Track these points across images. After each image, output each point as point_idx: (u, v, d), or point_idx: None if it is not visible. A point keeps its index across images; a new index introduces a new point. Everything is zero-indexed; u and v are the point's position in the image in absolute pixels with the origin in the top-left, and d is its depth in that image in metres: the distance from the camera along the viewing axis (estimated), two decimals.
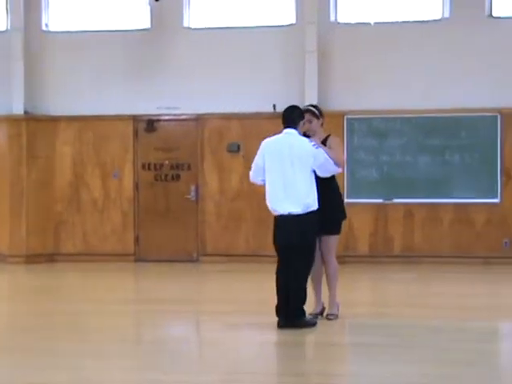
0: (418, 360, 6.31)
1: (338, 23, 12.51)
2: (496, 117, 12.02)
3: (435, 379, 5.77)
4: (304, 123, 7.55)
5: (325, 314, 7.80)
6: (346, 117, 12.31)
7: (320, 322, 7.64)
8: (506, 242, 12.05)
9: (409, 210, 12.23)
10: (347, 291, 10.17)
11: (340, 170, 7.59)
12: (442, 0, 12.28)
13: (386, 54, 12.25)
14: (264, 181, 7.44)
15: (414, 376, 5.86)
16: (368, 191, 12.24)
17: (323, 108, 12.23)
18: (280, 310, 7.31)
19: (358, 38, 12.34)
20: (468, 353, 6.52)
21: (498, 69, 12.03)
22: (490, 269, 11.71)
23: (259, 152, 7.48)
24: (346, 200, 12.23)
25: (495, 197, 12.04)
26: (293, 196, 7.27)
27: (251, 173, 7.53)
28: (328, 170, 7.45)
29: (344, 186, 12.25)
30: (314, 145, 7.40)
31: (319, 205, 7.33)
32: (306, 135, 7.58)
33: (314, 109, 7.79)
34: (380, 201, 12.31)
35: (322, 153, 7.37)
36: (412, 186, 12.19)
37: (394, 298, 9.56)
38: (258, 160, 7.46)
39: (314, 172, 7.35)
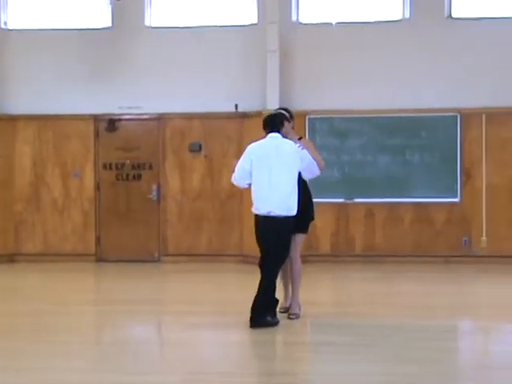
0: (380, 359, 6.36)
1: (300, 23, 12.55)
2: (456, 117, 12.16)
3: (397, 378, 5.82)
4: None
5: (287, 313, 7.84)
6: (307, 117, 12.35)
7: (283, 321, 7.65)
8: (465, 241, 12.19)
9: (370, 209, 12.31)
10: (310, 290, 10.21)
11: (319, 171, 7.74)
12: (402, 1, 12.39)
13: (348, 55, 12.31)
14: (250, 184, 7.58)
15: (376, 375, 5.90)
16: (329, 191, 12.29)
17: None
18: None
19: (319, 38, 12.39)
20: (430, 351, 6.59)
21: (458, 69, 12.16)
22: (451, 267, 11.84)
23: (245, 156, 7.62)
24: None
25: (455, 196, 12.18)
26: (277, 198, 7.44)
27: (235, 176, 7.63)
28: (312, 171, 7.69)
29: None
30: (299, 146, 7.51)
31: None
32: None
33: (284, 112, 7.88)
34: (341, 200, 12.37)
35: (307, 154, 7.53)
36: (373, 186, 12.27)
37: (356, 297, 9.61)
38: (243, 164, 7.59)
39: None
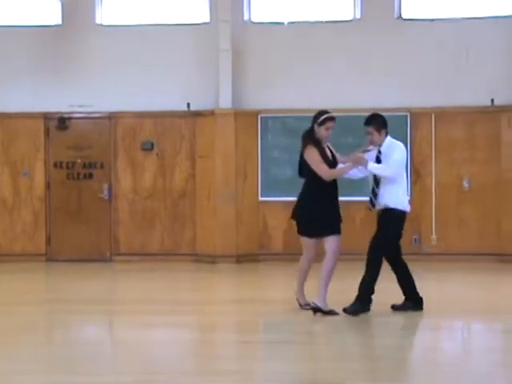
0: (328, 356, 6.40)
1: (252, 22, 12.57)
2: (406, 116, 12.29)
3: (345, 374, 5.86)
4: (327, 129, 8.05)
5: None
6: (259, 115, 12.38)
7: (228, 320, 7.67)
8: (415, 239, 12.33)
9: None
10: (262, 289, 10.25)
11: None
12: (353, 1, 12.48)
13: (300, 54, 12.37)
14: None
15: (324, 372, 5.93)
16: (281, 189, 12.31)
17: (237, 107, 12.38)
18: None
19: (271, 37, 12.42)
20: (377, 348, 6.66)
21: (407, 69, 12.30)
22: None
23: (403, 154, 8.05)
24: (260, 198, 12.37)
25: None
26: None
27: (397, 172, 7.96)
28: None
29: (258, 185, 12.33)
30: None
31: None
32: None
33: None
34: (294, 199, 12.37)
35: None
36: None
37: (307, 295, 9.62)
38: (404, 161, 8.07)
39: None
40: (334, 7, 12.53)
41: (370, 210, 8.14)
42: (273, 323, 7.86)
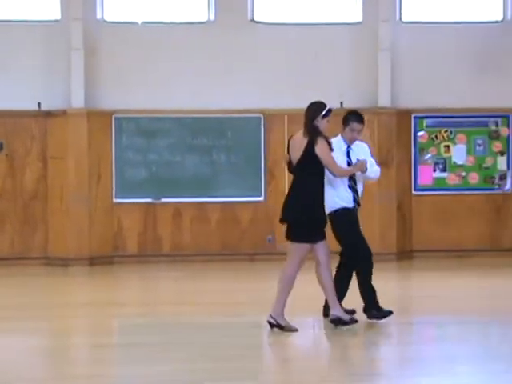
0: (187, 357, 6.41)
1: (105, 21, 12.40)
2: (260, 118, 12.48)
3: (204, 374, 5.89)
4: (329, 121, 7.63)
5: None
6: (114, 116, 12.23)
7: (81, 324, 7.54)
8: (269, 239, 12.53)
9: (177, 209, 12.37)
10: (117, 291, 10.15)
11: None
12: (207, 3, 12.55)
13: (155, 54, 12.31)
14: None
15: (183, 373, 5.94)
16: (136, 191, 12.24)
17: (90, 107, 12.17)
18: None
19: (125, 36, 12.29)
20: (236, 347, 6.74)
21: (260, 71, 12.48)
22: (255, 265, 12.14)
23: None
24: (114, 200, 12.22)
25: (259, 195, 12.50)
26: None
27: None
28: None
29: (112, 186, 12.18)
30: None
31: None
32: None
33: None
34: (149, 200, 12.35)
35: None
36: (180, 186, 12.34)
37: (163, 297, 9.65)
38: None
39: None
40: (188, 9, 12.56)
41: (357, 207, 7.75)
42: (127, 326, 7.78)
